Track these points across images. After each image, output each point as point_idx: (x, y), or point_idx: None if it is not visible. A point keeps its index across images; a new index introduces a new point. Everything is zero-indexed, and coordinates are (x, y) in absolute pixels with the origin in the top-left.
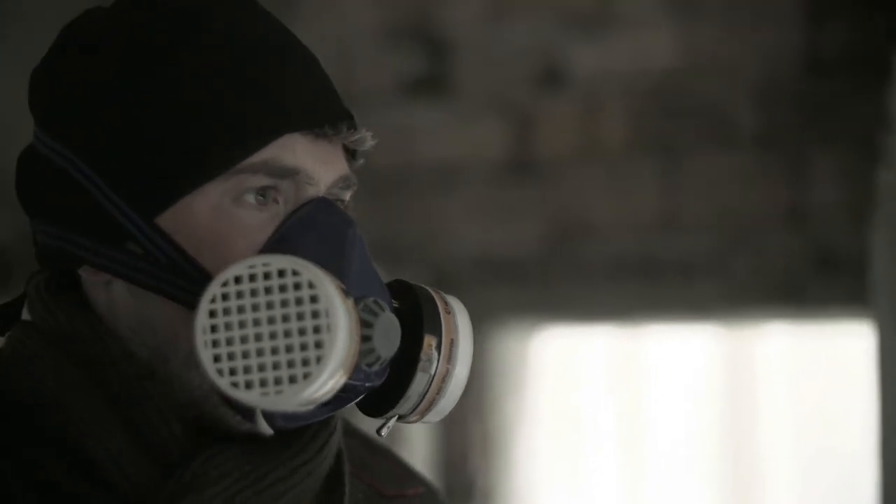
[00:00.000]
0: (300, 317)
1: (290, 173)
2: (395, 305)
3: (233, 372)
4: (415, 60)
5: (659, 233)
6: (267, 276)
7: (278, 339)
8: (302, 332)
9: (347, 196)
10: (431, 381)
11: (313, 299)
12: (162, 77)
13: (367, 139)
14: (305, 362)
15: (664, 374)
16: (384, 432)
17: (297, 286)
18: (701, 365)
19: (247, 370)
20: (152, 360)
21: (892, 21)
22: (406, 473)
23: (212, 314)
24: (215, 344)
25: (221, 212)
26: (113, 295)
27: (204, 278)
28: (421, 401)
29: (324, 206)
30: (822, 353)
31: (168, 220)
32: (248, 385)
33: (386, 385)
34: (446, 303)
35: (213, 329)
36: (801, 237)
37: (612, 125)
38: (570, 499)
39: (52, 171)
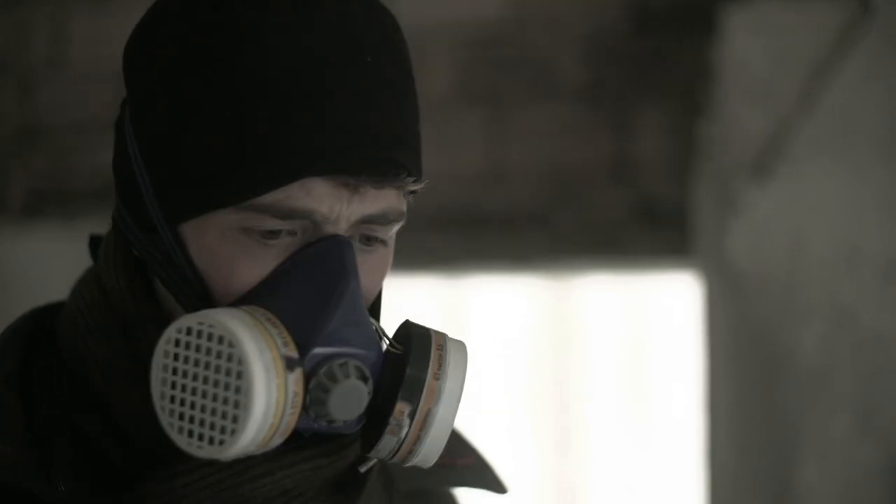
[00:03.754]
0: (226, 387)
1: (299, 216)
2: (396, 350)
3: (171, 413)
4: None
5: (483, 183)
6: (210, 337)
7: (206, 400)
8: (225, 401)
9: (385, 232)
10: (401, 445)
11: (238, 375)
12: (197, 89)
13: (389, 196)
14: (222, 430)
15: (488, 323)
16: (362, 469)
17: (229, 357)
18: (525, 315)
19: (181, 417)
20: None
21: None
22: (458, 444)
23: (165, 355)
24: (164, 382)
25: (229, 238)
26: None
27: (205, 293)
28: (393, 456)
29: (325, 251)
30: (646, 302)
31: (187, 230)
32: (180, 430)
33: (364, 431)
34: (440, 364)
35: (165, 368)
36: (624, 189)
37: (437, 75)
38: None
39: (121, 143)
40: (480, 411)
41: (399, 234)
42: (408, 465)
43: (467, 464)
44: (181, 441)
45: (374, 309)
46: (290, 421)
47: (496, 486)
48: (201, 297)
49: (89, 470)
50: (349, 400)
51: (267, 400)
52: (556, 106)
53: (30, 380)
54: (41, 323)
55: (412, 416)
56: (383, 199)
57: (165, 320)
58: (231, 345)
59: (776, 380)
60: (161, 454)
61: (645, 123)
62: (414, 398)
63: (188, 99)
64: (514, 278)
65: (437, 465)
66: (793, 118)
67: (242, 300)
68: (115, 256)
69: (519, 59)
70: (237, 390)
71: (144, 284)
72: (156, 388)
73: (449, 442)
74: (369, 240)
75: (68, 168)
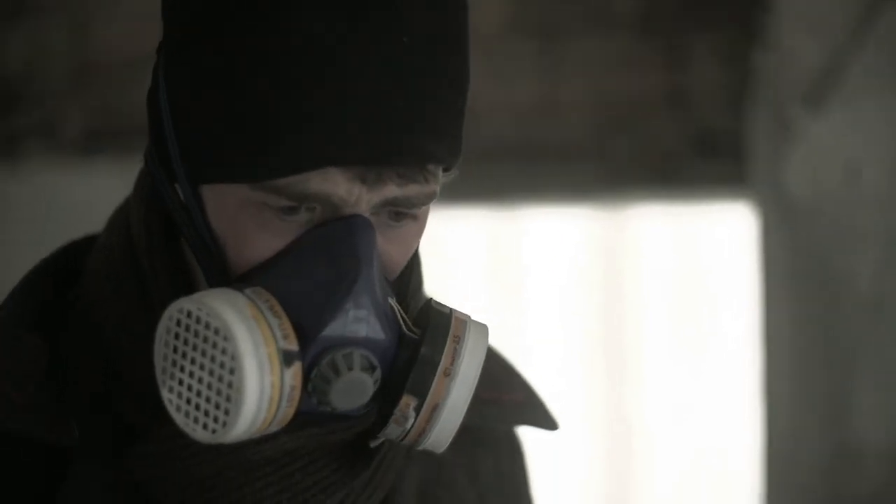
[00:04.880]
0: (219, 378)
1: (314, 200)
2: (413, 334)
3: (170, 390)
4: None
5: (538, 115)
6: (207, 325)
7: (202, 386)
8: (218, 392)
9: (407, 219)
10: (407, 433)
11: (231, 370)
12: (214, 57)
13: (414, 188)
14: (215, 419)
15: (543, 255)
16: (372, 444)
17: (223, 351)
18: (579, 246)
19: (179, 395)
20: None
21: None
22: (508, 379)
23: (167, 331)
24: (165, 357)
25: (246, 209)
26: None
27: (221, 256)
28: (402, 440)
29: (341, 232)
30: (701, 233)
31: (207, 192)
32: (177, 408)
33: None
34: (454, 357)
35: (167, 344)
36: (679, 119)
37: (490, 8)
38: None
39: (154, 84)
40: (534, 342)
41: None
42: (418, 449)
43: (514, 399)
44: (178, 419)
45: (406, 276)
46: (288, 412)
47: (546, 421)
48: (217, 260)
49: (100, 420)
50: (352, 392)
51: (259, 397)
52: (610, 37)
53: (58, 321)
54: (72, 259)
55: (418, 409)
56: (409, 186)
57: (188, 275)
58: (226, 338)
59: (832, 307)
60: (165, 410)
61: (699, 53)
62: (421, 393)
63: (206, 65)
64: (569, 210)
65: (481, 401)
66: (848, 47)
67: (255, 270)
68: (144, 193)
69: None
70: (230, 385)
71: (167, 231)
72: (158, 362)
73: (496, 375)
74: (398, 215)
75: (123, 105)
